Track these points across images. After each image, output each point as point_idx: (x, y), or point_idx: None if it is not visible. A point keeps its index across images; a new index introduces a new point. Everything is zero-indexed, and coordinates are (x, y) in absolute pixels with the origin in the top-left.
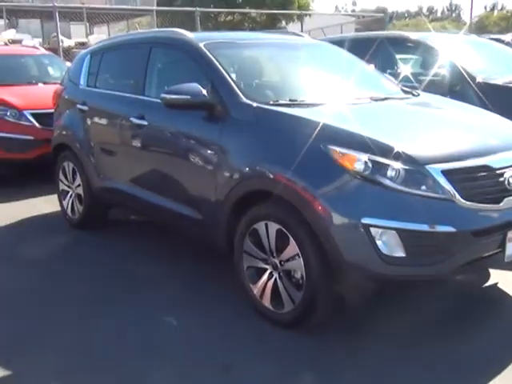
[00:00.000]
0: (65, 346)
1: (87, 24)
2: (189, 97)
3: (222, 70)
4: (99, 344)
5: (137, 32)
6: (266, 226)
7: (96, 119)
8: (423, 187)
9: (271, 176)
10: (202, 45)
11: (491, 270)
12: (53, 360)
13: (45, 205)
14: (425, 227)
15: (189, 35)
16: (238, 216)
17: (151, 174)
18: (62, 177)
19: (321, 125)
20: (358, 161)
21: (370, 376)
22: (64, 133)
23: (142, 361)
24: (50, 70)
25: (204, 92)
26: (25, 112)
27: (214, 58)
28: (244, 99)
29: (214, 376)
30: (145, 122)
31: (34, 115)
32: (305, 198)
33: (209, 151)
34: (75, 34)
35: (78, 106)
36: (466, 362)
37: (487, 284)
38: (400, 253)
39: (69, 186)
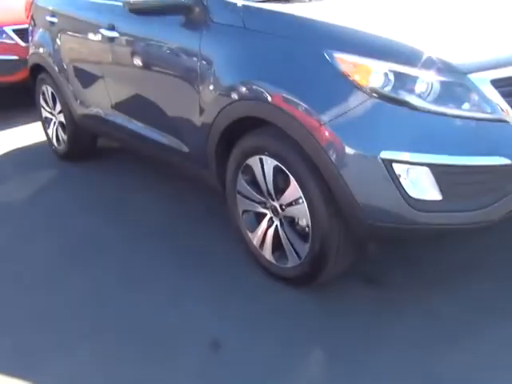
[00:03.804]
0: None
1: None
2: None
3: None
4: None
5: None
6: (261, 161)
7: (66, 33)
8: (465, 105)
9: (263, 96)
10: None
11: None
12: None
13: (33, 133)
14: (468, 160)
15: None
16: (228, 149)
17: (129, 97)
18: (43, 102)
19: (324, 25)
20: (375, 72)
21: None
22: (38, 51)
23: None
24: None
25: None
26: (5, 29)
27: None
28: None
29: (199, 357)
30: (116, 34)
31: (17, 31)
32: (305, 126)
33: (189, 66)
34: None
35: (48, 18)
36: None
37: None
38: (434, 195)
39: (51, 113)
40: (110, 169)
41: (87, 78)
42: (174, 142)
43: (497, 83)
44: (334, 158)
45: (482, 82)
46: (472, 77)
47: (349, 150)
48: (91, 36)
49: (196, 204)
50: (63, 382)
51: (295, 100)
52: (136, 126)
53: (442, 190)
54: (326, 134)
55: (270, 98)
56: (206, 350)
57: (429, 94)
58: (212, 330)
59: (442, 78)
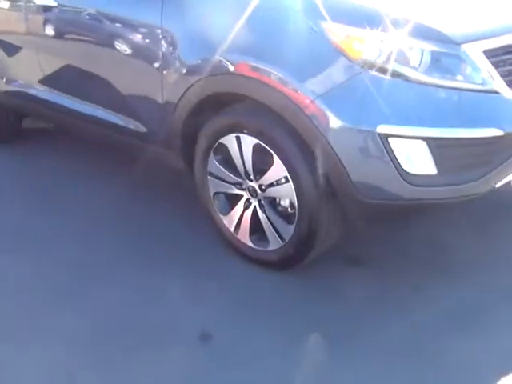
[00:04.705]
0: None
1: None
2: None
3: None
4: None
5: None
6: (238, 140)
7: None
8: (458, 76)
9: (239, 70)
10: None
11: None
12: None
13: None
14: (462, 133)
15: None
16: (196, 126)
17: (70, 74)
18: None
19: None
20: (367, 43)
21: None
22: None
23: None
24: None
25: None
26: None
27: None
28: None
29: (188, 349)
30: (54, 2)
31: None
32: (294, 101)
33: (149, 40)
34: None
35: None
36: None
37: None
38: (430, 169)
39: None
40: (38, 153)
41: (15, 52)
42: (127, 121)
43: (489, 53)
44: (327, 135)
45: (475, 52)
46: (465, 47)
47: (343, 126)
48: (22, 3)
49: (149, 188)
50: None
51: (281, 75)
52: (78, 104)
53: (436, 164)
54: (317, 109)
55: (251, 73)
56: (193, 342)
57: (421, 65)
58: (198, 322)
59: (435, 49)
